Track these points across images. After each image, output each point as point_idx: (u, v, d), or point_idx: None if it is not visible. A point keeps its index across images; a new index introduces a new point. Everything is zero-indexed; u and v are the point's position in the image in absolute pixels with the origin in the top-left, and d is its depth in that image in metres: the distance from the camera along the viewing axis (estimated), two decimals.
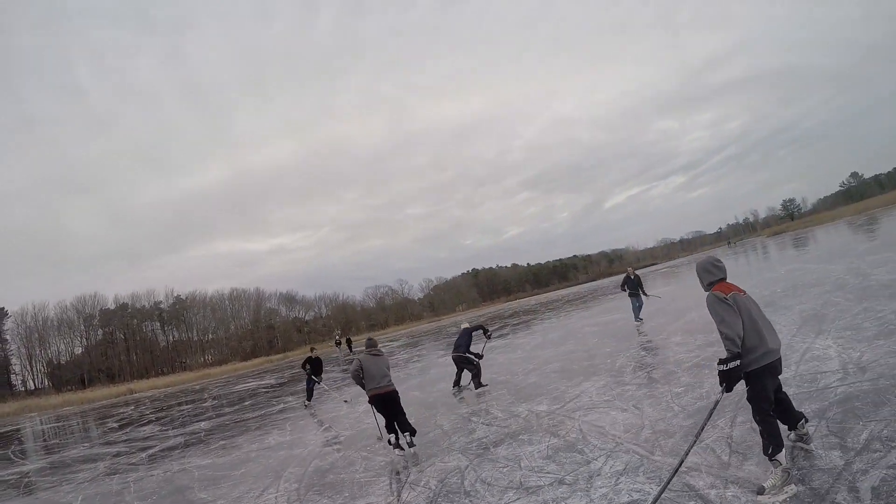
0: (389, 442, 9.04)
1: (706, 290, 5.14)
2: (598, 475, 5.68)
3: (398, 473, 7.57)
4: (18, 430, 32.31)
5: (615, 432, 6.98)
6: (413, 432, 8.92)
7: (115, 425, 23.72)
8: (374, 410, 9.38)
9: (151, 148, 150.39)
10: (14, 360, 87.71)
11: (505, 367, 14.62)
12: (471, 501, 5.86)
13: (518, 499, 5.58)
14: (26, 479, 13.52)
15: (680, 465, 4.65)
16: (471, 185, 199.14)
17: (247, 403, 22.06)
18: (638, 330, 16.50)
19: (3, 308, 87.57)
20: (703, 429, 4.78)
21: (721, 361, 4.80)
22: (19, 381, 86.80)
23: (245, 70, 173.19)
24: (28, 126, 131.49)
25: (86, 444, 18.83)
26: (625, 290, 18.87)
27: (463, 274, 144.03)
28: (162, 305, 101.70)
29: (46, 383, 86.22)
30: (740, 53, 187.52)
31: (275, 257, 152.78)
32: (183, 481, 10.02)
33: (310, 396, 17.54)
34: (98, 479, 11.56)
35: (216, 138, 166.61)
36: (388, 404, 9.04)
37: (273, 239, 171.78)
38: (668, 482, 4.61)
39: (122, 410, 32.53)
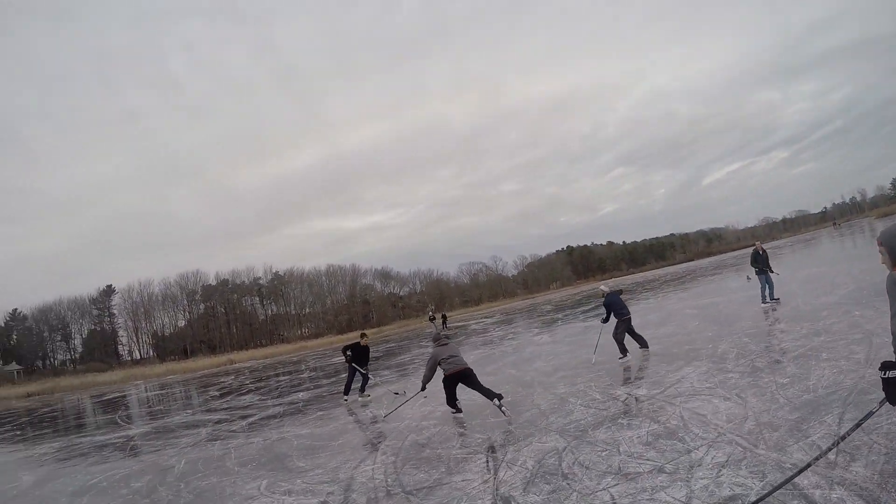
0: (459, 410, 10.42)
1: (892, 269, 3.79)
2: (699, 465, 5.54)
3: (495, 451, 7.58)
4: (124, 396, 34.18)
5: (717, 422, 6.80)
6: (500, 397, 9.68)
7: (216, 394, 24.78)
8: (445, 386, 10.46)
9: (248, 133, 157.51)
10: (121, 333, 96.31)
11: (603, 348, 14.40)
12: (568, 484, 5.79)
13: (616, 484, 5.50)
14: (132, 443, 14.29)
15: (808, 466, 4.51)
16: (565, 162, 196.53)
17: (343, 376, 22.48)
18: (766, 312, 15.54)
19: (111, 286, 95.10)
20: (845, 438, 4.58)
21: (884, 366, 3.65)
22: (126, 352, 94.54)
23: (334, 55, 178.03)
24: (130, 119, 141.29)
25: (188, 411, 19.74)
26: (754, 268, 17.73)
27: (557, 251, 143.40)
28: (261, 281, 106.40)
29: (151, 353, 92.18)
30: (844, 19, 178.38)
31: (370, 234, 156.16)
32: (282, 449, 10.37)
33: (347, 390, 15.02)
34: (200, 445, 12.09)
35: (309, 122, 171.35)
36: (464, 379, 10.18)
37: (368, 217, 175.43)
38: (788, 482, 4.47)
39: (222, 380, 33.87)
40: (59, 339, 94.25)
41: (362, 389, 15.08)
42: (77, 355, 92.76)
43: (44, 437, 18.40)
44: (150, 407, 25.41)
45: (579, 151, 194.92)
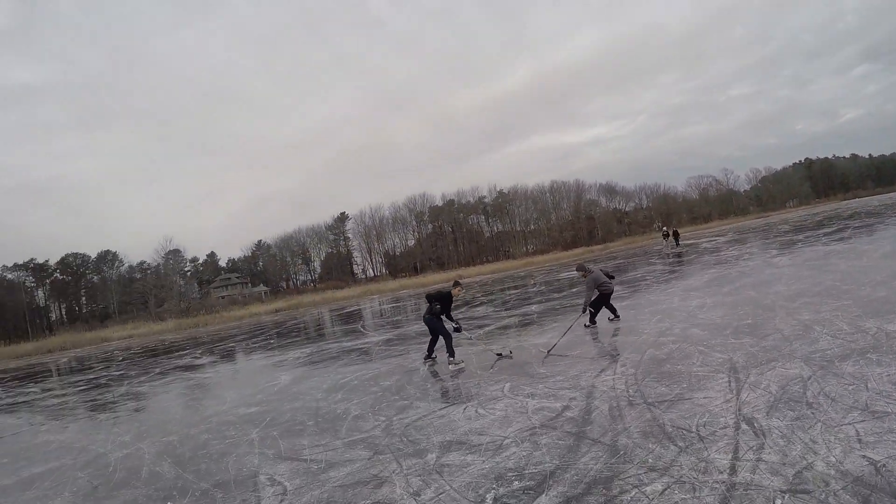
0: (595, 323, 13.22)
1: None
2: None
3: (737, 372, 7.42)
4: (362, 309, 36.76)
5: None
6: (615, 310, 13.55)
7: None
8: (595, 305, 13.16)
9: (457, 57, 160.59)
10: (355, 254, 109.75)
11: (848, 276, 13.38)
12: (812, 413, 5.60)
13: (863, 421, 5.22)
14: (376, 348, 15.63)
15: None
16: (799, 59, 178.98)
17: (573, 290, 22.79)
18: None
19: (345, 212, 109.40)
20: None
21: None
22: (360, 271, 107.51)
23: None
24: (343, 62, 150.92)
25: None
26: None
27: (794, 164, 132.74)
28: (485, 200, 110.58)
29: (384, 271, 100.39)
30: None
31: (592, 148, 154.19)
32: (522, 357, 10.84)
33: (430, 351, 12.34)
34: (440, 350, 12.75)
35: (517, 40, 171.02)
36: (609, 297, 13.22)
37: (589, 130, 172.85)
38: None
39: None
40: (299, 262, 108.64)
41: (451, 353, 11.37)
42: (316, 276, 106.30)
43: (294, 345, 20.47)
44: (387, 318, 27.37)
45: (815, 46, 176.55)
